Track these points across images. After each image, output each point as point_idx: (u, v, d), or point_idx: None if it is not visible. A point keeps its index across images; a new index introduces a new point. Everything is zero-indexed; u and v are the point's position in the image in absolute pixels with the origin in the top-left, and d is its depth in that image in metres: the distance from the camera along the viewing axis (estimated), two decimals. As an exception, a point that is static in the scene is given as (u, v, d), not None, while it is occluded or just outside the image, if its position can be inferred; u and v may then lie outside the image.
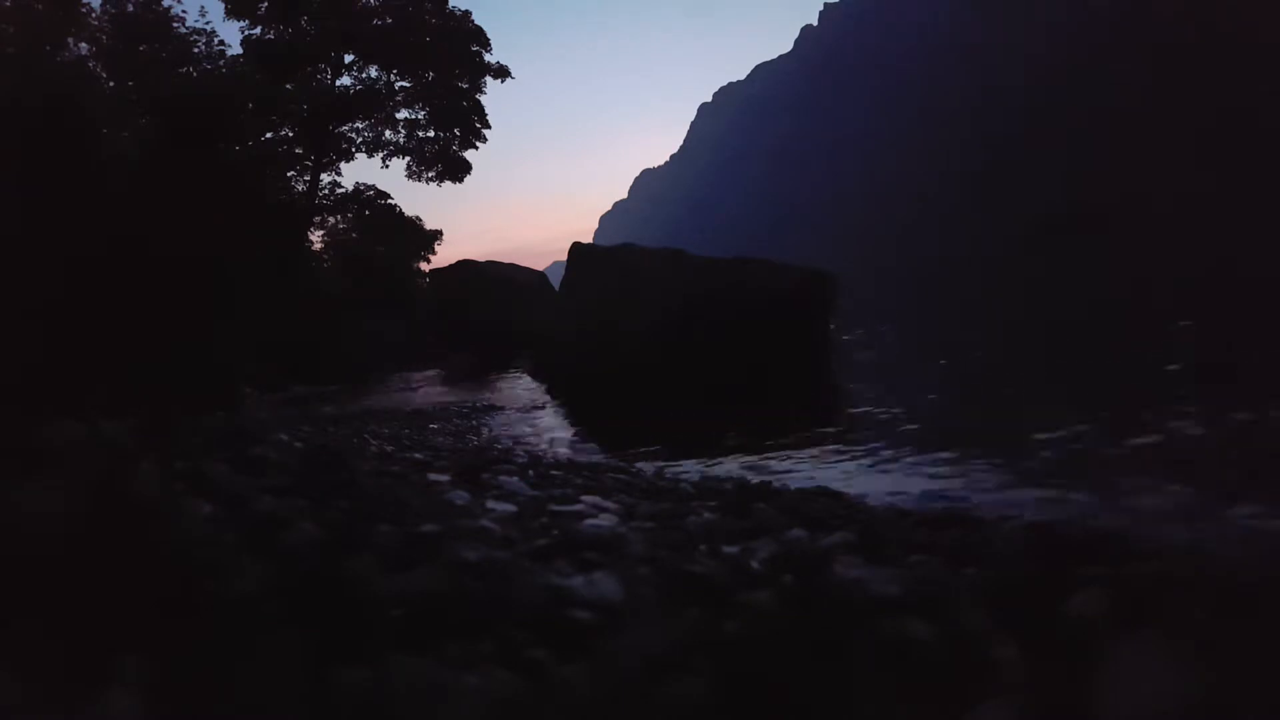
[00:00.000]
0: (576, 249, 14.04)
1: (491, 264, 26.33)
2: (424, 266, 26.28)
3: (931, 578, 1.71)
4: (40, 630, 1.23)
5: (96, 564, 1.44)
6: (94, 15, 18.38)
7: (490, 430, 8.31)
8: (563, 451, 6.71)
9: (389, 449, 4.88)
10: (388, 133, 25.11)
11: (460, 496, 2.62)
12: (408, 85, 24.79)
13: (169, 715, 1.10)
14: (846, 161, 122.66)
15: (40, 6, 15.45)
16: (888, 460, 5.36)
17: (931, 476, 4.74)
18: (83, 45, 17.90)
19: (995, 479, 4.56)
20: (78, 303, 5.33)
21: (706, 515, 2.68)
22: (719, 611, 1.47)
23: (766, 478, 4.87)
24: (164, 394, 5.44)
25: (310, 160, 23.80)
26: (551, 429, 8.82)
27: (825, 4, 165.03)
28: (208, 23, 33.04)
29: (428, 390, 14.91)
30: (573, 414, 10.13)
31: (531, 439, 7.69)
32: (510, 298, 23.20)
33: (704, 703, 1.18)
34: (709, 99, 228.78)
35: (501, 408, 10.77)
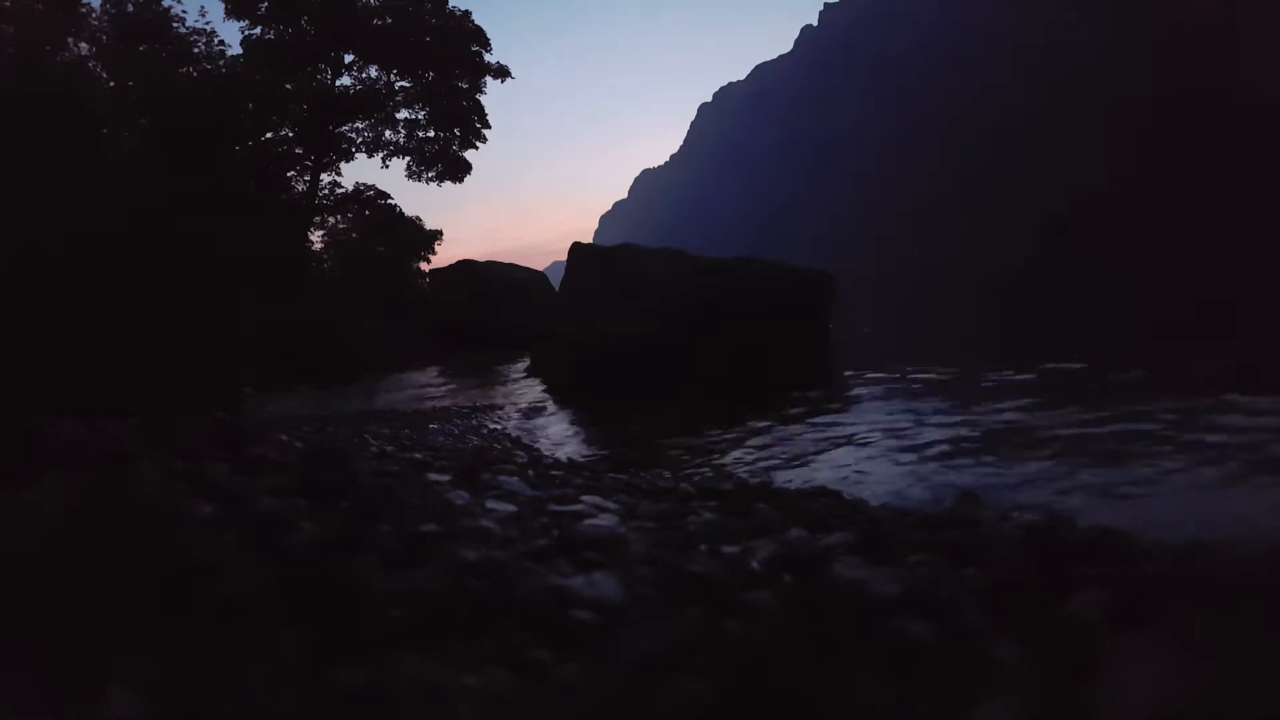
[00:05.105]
0: (576, 249, 14.03)
1: (491, 264, 26.33)
2: (424, 266, 26.30)
3: (931, 578, 1.71)
4: (41, 630, 1.23)
5: (97, 564, 1.44)
6: (94, 15, 18.41)
7: (490, 430, 8.30)
8: (563, 451, 6.71)
9: (389, 449, 4.88)
10: (388, 133, 25.14)
11: (460, 496, 2.62)
12: (408, 85, 24.80)
13: (169, 715, 1.10)
14: (846, 161, 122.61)
15: (40, 6, 15.46)
16: (888, 460, 5.36)
17: (932, 476, 4.74)
18: (83, 45, 17.92)
19: (995, 478, 4.56)
20: (78, 303, 5.33)
21: (706, 515, 2.68)
22: (719, 611, 1.47)
23: (766, 478, 4.87)
24: (164, 394, 5.44)
25: (310, 160, 23.81)
26: (551, 428, 8.82)
27: (825, 4, 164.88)
28: (208, 23, 33.08)
29: (428, 390, 14.91)
30: (573, 414, 10.13)
31: (531, 439, 7.69)
32: (510, 298, 23.21)
33: (704, 703, 1.18)
34: (709, 99, 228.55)
35: (501, 407, 10.77)
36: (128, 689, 1.10)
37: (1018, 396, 7.00)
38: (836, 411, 7.84)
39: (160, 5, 19.54)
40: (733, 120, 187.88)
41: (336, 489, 2.30)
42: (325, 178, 24.32)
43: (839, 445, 6.10)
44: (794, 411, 7.90)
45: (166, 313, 6.06)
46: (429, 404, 11.70)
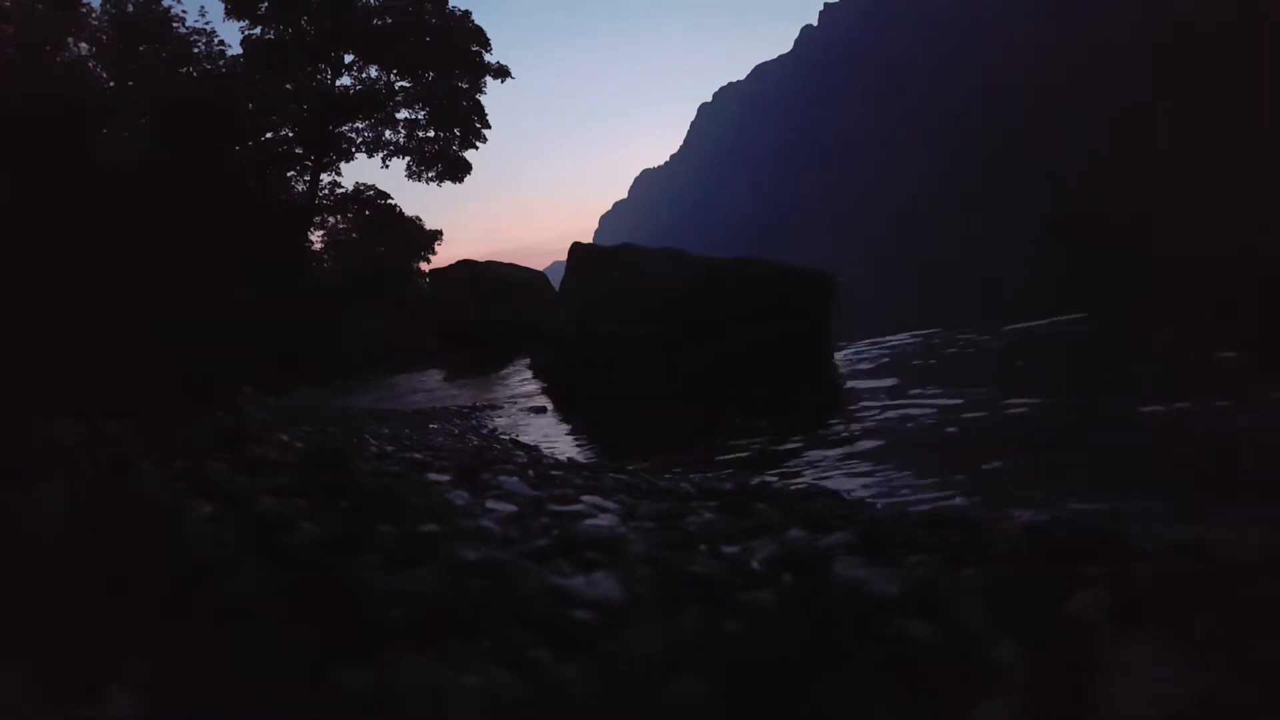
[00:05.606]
0: (576, 249, 14.03)
1: (491, 264, 26.37)
2: (424, 266, 26.30)
3: (931, 578, 1.70)
4: (41, 630, 1.23)
5: (97, 564, 1.44)
6: (94, 15, 18.39)
7: (490, 430, 8.31)
8: (563, 451, 6.72)
9: (389, 449, 4.88)
10: (388, 133, 25.13)
11: (460, 496, 2.62)
12: (408, 85, 24.80)
13: (169, 715, 1.10)
14: (846, 161, 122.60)
15: (40, 6, 15.45)
16: (888, 461, 5.36)
17: (932, 477, 4.74)
18: (83, 45, 17.91)
19: (995, 479, 4.56)
20: (78, 303, 5.33)
21: (706, 515, 2.67)
22: (719, 611, 1.47)
23: (766, 478, 4.87)
24: (164, 394, 5.44)
25: (310, 160, 23.80)
26: (551, 429, 8.83)
27: (825, 4, 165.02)
28: (208, 23, 32.95)
29: (428, 390, 14.92)
30: (573, 414, 10.14)
31: (531, 439, 7.69)
32: (510, 297, 23.24)
33: (704, 703, 1.18)
34: (709, 99, 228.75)
35: (501, 407, 10.78)
36: (128, 689, 1.10)
37: (1018, 396, 7.00)
38: (836, 411, 7.84)
39: (160, 5, 19.52)
40: (733, 120, 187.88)
41: (336, 489, 2.30)
42: (325, 178, 24.34)
43: (838, 445, 6.10)
44: (794, 411, 7.91)
45: (167, 313, 6.06)
46: (429, 404, 11.70)
